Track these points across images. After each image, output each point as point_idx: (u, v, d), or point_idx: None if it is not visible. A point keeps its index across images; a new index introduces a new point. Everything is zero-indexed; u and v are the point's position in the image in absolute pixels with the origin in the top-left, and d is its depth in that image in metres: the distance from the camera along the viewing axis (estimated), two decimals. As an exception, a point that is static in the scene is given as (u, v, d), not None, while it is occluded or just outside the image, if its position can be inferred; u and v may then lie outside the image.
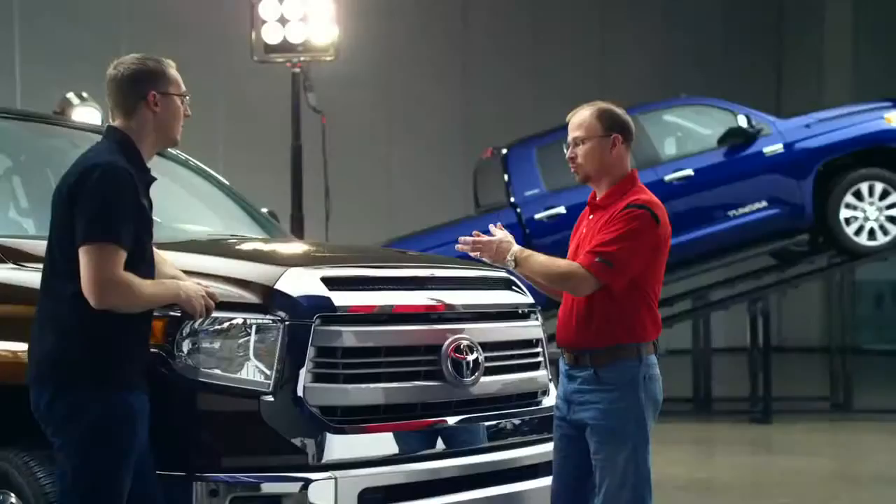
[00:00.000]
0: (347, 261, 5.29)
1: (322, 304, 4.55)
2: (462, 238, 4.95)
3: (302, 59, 12.23)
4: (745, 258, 13.74)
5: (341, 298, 4.61)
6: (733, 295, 14.45)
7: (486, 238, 4.87)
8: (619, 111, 5.05)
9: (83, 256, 4.08)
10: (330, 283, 4.64)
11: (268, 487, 4.38)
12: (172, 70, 4.45)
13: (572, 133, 5.00)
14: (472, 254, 4.94)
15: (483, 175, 13.77)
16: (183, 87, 4.47)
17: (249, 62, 12.42)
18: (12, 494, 4.59)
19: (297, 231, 12.73)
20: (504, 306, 5.27)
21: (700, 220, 12.84)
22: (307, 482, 4.39)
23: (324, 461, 4.45)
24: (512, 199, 12.68)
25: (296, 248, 5.70)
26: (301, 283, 4.58)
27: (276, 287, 4.52)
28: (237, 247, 5.59)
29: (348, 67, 15.01)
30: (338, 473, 4.45)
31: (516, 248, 4.88)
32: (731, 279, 14.74)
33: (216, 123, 20.41)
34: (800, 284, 14.72)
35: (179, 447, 4.39)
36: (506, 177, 12.81)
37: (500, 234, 4.93)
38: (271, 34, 11.95)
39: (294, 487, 4.38)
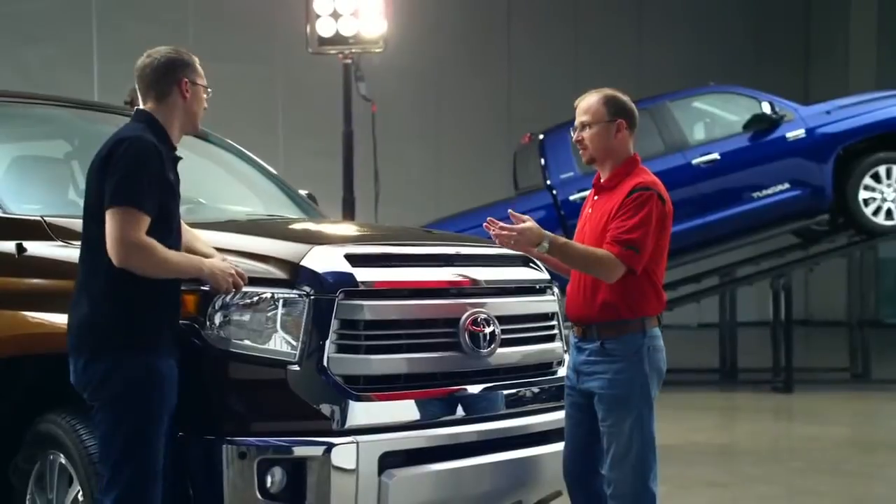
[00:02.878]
0: (371, 239, 5.29)
1: (345, 279, 4.54)
2: (490, 220, 4.90)
3: (353, 50, 12.31)
4: (769, 237, 13.62)
5: (363, 274, 4.60)
6: (757, 272, 14.31)
7: (518, 227, 4.78)
8: (625, 98, 5.01)
9: (108, 220, 4.13)
10: (353, 259, 4.63)
11: (293, 451, 4.37)
12: (198, 64, 4.48)
13: (579, 117, 4.97)
14: (504, 244, 4.84)
15: (522, 159, 13.75)
16: (205, 81, 4.47)
17: (305, 54, 12.47)
18: (61, 455, 4.64)
19: (349, 212, 12.76)
20: (521, 282, 5.23)
21: (726, 201, 12.80)
22: (330, 446, 4.38)
23: (346, 427, 4.44)
24: (548, 182, 12.63)
25: (325, 227, 5.68)
26: (326, 259, 4.57)
27: (302, 264, 4.52)
28: (270, 226, 5.58)
29: (397, 58, 15.02)
30: (359, 438, 4.44)
31: (549, 234, 4.80)
32: (757, 257, 14.61)
33: (276, 111, 20.52)
34: (820, 262, 14.62)
35: (211, 413, 4.40)
36: (542, 161, 12.77)
37: (527, 221, 4.82)
38: (325, 28, 12.07)
39: (318, 451, 4.37)
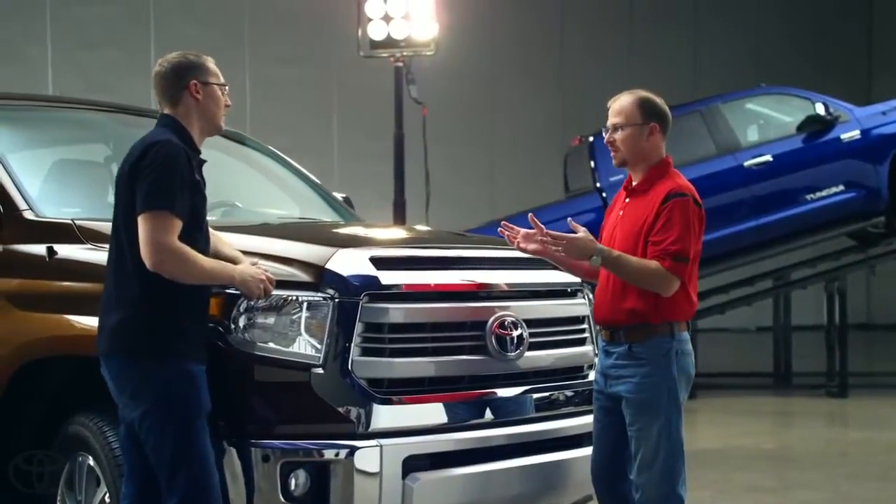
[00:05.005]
0: (397, 242, 5.28)
1: (370, 282, 4.53)
2: (504, 223, 4.86)
3: (404, 53, 12.38)
4: (824, 240, 13.43)
5: (388, 277, 4.58)
6: (811, 275, 14.14)
7: (571, 236, 4.71)
8: (658, 100, 4.95)
9: (141, 224, 4.15)
10: (378, 262, 4.62)
11: (316, 453, 4.37)
12: (211, 63, 4.51)
13: (612, 119, 4.92)
14: (551, 248, 4.77)
15: (572, 162, 13.71)
16: (222, 79, 4.49)
17: (358, 56, 12.53)
18: (90, 457, 4.67)
19: (399, 215, 12.78)
20: (551, 285, 5.19)
21: (779, 203, 12.66)
22: (353, 449, 4.37)
23: (370, 430, 4.44)
24: (598, 185, 12.57)
25: (353, 230, 5.67)
26: (350, 262, 4.56)
27: (326, 266, 4.51)
28: (297, 229, 5.60)
29: (448, 61, 15.02)
30: (383, 441, 4.43)
31: (602, 247, 4.72)
32: (812, 259, 14.43)
33: (331, 113, 20.60)
34: (878, 265, 14.38)
35: (234, 415, 4.40)
36: (592, 163, 12.71)
37: (582, 232, 4.74)
38: (376, 31, 12.18)
39: (341, 454, 4.37)
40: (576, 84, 22.07)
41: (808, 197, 12.68)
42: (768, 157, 12.62)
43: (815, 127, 12.73)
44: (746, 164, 12.58)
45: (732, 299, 14.05)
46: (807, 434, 10.99)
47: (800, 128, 12.82)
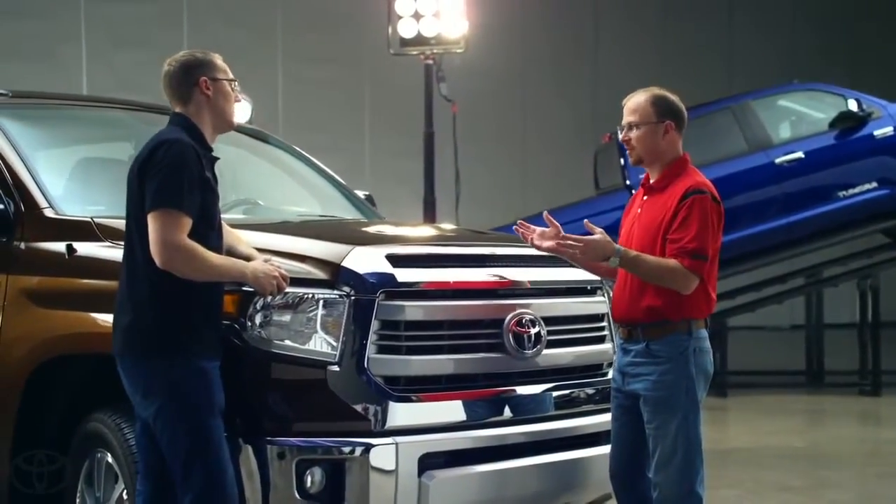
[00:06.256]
0: (414, 240, 5.28)
1: (386, 280, 4.53)
2: (520, 222, 4.84)
3: (434, 51, 12.39)
4: (855, 237, 13.31)
5: (404, 275, 4.58)
6: (843, 272, 14.02)
7: (588, 238, 4.69)
8: (673, 98, 4.92)
9: (151, 223, 4.16)
10: (394, 260, 4.62)
11: (332, 451, 4.38)
12: (219, 59, 4.53)
13: (627, 117, 4.89)
14: (570, 253, 4.75)
15: (602, 159, 13.67)
16: (231, 74, 4.49)
17: (388, 54, 12.54)
18: (108, 454, 4.69)
19: (429, 213, 12.78)
20: (570, 282, 5.17)
21: (811, 200, 12.55)
22: (369, 447, 4.38)
23: (386, 427, 4.44)
24: (627, 182, 12.52)
25: (370, 228, 5.67)
26: (366, 260, 4.57)
27: (342, 264, 4.52)
28: (314, 227, 5.60)
29: (479, 59, 14.98)
30: (399, 439, 4.43)
31: (620, 248, 4.71)
32: (844, 257, 14.31)
33: (363, 111, 20.63)
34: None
35: (250, 413, 4.41)
36: (621, 160, 12.65)
37: (599, 233, 4.72)
38: (406, 29, 12.21)
39: (356, 451, 4.38)
40: (607, 81, 21.97)
41: (841, 194, 12.57)
42: (800, 154, 12.53)
43: (847, 123, 12.61)
44: (778, 160, 12.48)
45: (763, 297, 13.96)
46: (838, 433, 10.90)
47: (832, 124, 12.71)
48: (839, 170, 12.60)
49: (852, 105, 12.56)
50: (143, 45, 18.95)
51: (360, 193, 6.58)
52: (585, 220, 4.87)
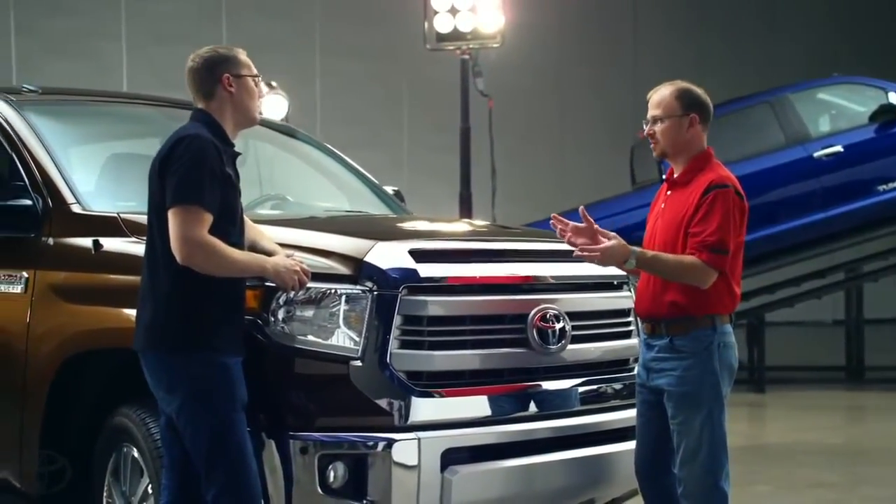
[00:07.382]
0: (438, 235, 5.28)
1: (408, 275, 4.53)
2: (555, 217, 4.82)
3: (470, 46, 12.41)
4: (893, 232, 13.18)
5: (427, 270, 4.58)
6: (883, 267, 13.89)
7: (602, 246, 4.67)
8: (698, 91, 4.90)
9: (171, 219, 4.18)
10: (417, 255, 4.61)
11: (354, 446, 4.39)
12: (243, 55, 4.52)
13: (651, 111, 4.89)
14: (589, 260, 4.73)
15: (638, 154, 13.57)
16: (254, 70, 4.50)
17: (424, 50, 12.55)
18: (133, 448, 4.73)
19: (465, 208, 12.78)
20: (595, 277, 5.15)
21: (850, 194, 12.43)
22: (391, 442, 4.39)
23: (409, 422, 4.45)
24: (663, 177, 12.40)
25: (395, 223, 5.68)
26: (389, 255, 4.57)
27: (365, 259, 4.53)
28: (339, 222, 5.61)
29: (515, 53, 14.97)
30: (421, 434, 4.43)
31: (636, 249, 4.70)
32: (885, 251, 14.18)
33: (401, 106, 20.65)
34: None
35: (273, 408, 4.43)
36: (657, 155, 12.56)
37: (612, 239, 4.71)
38: (443, 24, 12.24)
39: (379, 446, 4.38)
40: (645, 79, 21.80)
41: (881, 188, 12.45)
42: (839, 148, 12.41)
43: (888, 116, 12.50)
44: (816, 154, 12.39)
45: (802, 292, 13.86)
46: (877, 429, 10.81)
47: (872, 117, 12.60)
48: (879, 163, 12.48)
49: (893, 98, 12.48)
50: (183, 40, 18.99)
51: (389, 189, 6.58)
52: (581, 208, 4.83)
